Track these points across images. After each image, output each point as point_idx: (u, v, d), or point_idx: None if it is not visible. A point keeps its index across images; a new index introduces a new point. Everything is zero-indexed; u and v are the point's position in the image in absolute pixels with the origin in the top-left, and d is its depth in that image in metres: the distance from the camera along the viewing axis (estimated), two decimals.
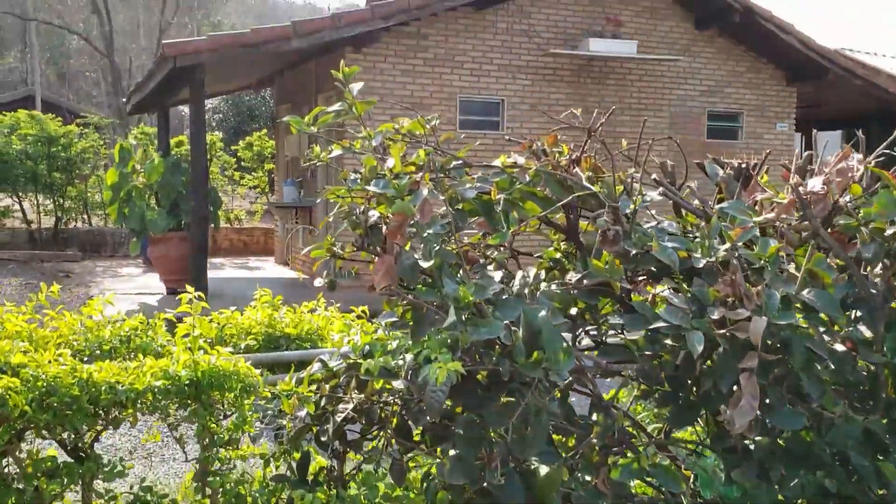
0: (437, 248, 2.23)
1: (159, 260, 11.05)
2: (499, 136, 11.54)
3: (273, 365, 3.48)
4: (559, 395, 2.46)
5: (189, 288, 3.38)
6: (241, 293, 9.52)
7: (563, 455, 2.43)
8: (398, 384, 2.43)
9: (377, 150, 2.53)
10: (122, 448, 5.20)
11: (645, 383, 2.55)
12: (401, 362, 2.38)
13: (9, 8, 33.42)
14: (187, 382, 2.82)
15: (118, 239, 16.41)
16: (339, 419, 2.69)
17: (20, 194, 16.28)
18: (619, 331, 2.60)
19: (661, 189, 2.68)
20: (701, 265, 2.40)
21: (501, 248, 2.71)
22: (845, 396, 2.39)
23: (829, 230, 2.51)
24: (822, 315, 2.32)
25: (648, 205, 2.61)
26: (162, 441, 4.69)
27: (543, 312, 2.14)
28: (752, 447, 2.37)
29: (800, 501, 2.36)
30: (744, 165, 2.96)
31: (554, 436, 2.55)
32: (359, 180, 2.50)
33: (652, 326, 2.27)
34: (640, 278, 2.60)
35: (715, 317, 2.22)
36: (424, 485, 2.68)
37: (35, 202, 16.38)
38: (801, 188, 2.52)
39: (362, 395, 2.67)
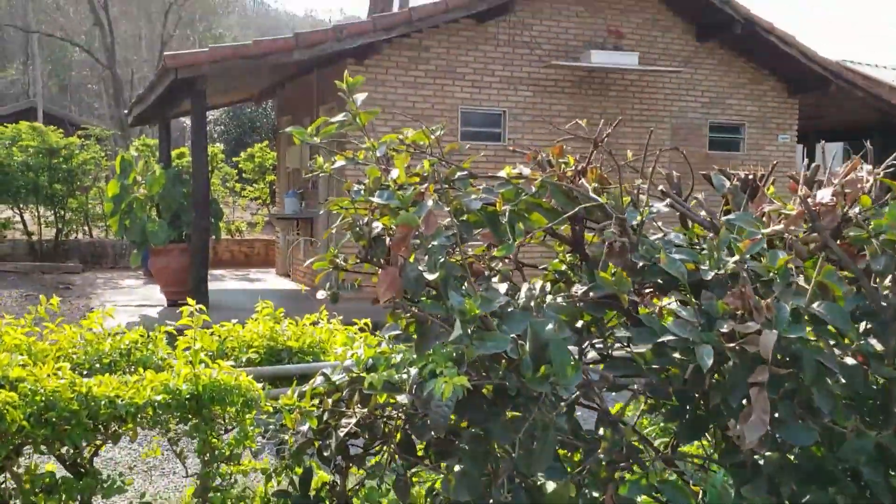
0: (442, 259, 2.20)
1: (160, 272, 11.02)
2: (500, 148, 11.53)
3: (275, 378, 3.45)
4: (565, 409, 2.43)
5: (190, 300, 3.35)
6: (242, 305, 9.49)
7: (570, 470, 2.39)
8: (402, 398, 2.39)
9: (381, 161, 2.51)
10: (121, 462, 5.15)
11: (652, 397, 2.51)
12: (405, 376, 2.34)
13: (11, 20, 33.56)
14: (188, 396, 2.78)
15: (119, 251, 16.39)
16: (341, 434, 2.66)
17: (21, 206, 16.27)
18: (625, 344, 2.57)
19: (668, 200, 2.65)
20: (709, 277, 2.37)
21: (506, 260, 2.68)
22: (857, 411, 2.35)
23: (838, 242, 2.48)
24: (829, 328, 2.29)
25: (655, 216, 2.58)
26: (162, 455, 4.65)
27: (550, 326, 2.11)
28: (761, 462, 2.33)
29: None
30: (750, 177, 2.93)
31: (559, 450, 2.51)
32: (362, 191, 2.47)
33: (660, 339, 2.24)
34: (647, 291, 2.57)
35: (724, 330, 2.19)
36: (428, 501, 2.65)
37: (36, 214, 16.36)
38: (809, 199, 2.49)
39: (365, 410, 2.63)
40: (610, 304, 2.47)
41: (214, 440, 2.92)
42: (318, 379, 2.75)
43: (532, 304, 2.33)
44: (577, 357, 2.32)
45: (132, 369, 3.18)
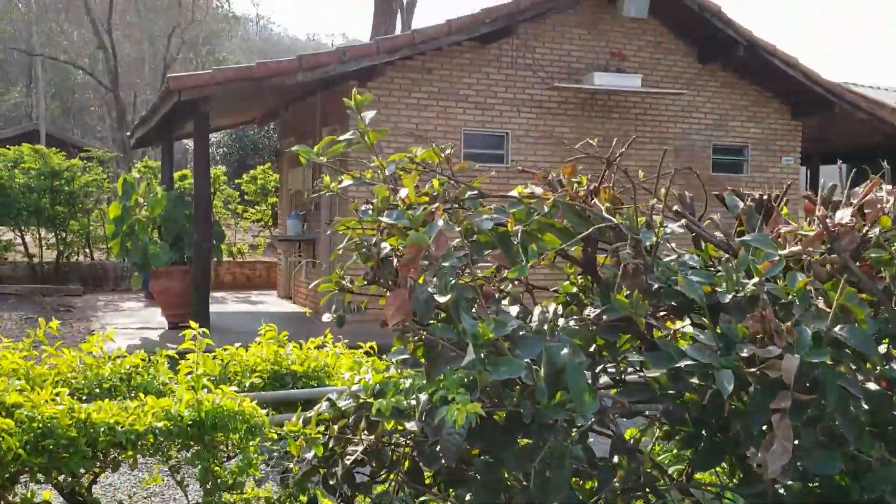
0: (454, 281, 2.13)
1: (161, 294, 10.95)
2: (503, 169, 11.50)
3: (279, 404, 3.37)
4: (578, 437, 2.35)
5: (193, 323, 3.28)
6: (244, 327, 9.41)
7: (581, 498, 2.31)
8: (411, 425, 2.32)
9: (389, 180, 2.45)
10: (121, 488, 5.05)
11: (668, 424, 2.44)
12: (414, 402, 2.27)
13: (15, 43, 33.74)
14: (190, 423, 2.71)
15: (120, 273, 16.33)
16: (347, 461, 2.58)
17: (23, 228, 16.24)
18: (638, 368, 2.50)
19: (682, 221, 2.59)
20: (727, 300, 2.30)
21: (517, 282, 2.61)
22: (882, 439, 2.27)
23: (857, 263, 2.41)
24: (849, 351, 2.22)
25: (669, 237, 2.52)
26: (163, 482, 4.55)
27: (566, 350, 2.04)
28: (782, 492, 2.26)
29: None
30: (765, 197, 2.88)
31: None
32: (370, 211, 2.41)
33: (678, 364, 2.17)
34: (661, 314, 2.50)
35: (744, 354, 2.12)
36: None
37: (37, 236, 16.33)
38: (828, 220, 2.43)
39: (372, 437, 2.56)
40: (623, 327, 2.40)
41: (217, 468, 2.85)
42: (324, 405, 2.67)
43: (545, 327, 2.26)
44: (592, 383, 2.25)
45: (133, 394, 3.11)
